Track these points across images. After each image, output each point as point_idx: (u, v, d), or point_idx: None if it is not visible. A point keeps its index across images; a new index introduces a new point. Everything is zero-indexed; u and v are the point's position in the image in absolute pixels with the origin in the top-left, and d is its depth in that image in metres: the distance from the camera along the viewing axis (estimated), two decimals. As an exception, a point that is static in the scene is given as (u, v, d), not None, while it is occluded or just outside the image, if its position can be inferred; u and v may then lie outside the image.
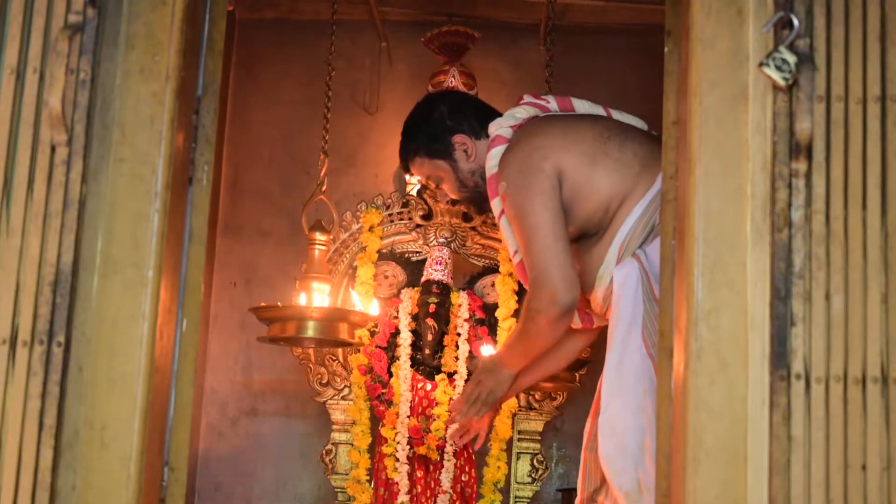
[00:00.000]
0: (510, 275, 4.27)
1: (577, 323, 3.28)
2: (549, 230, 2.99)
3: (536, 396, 4.42)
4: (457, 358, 4.30)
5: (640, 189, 3.01)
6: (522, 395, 4.37)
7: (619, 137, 3.11)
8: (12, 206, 2.31)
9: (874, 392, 2.17)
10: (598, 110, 3.32)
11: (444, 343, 4.36)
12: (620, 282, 2.95)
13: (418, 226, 4.47)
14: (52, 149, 2.31)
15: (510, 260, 3.45)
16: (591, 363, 4.13)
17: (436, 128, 3.35)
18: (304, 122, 5.13)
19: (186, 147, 2.53)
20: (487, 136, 3.26)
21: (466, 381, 4.16)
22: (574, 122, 3.20)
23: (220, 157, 5.10)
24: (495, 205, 3.21)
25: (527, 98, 3.33)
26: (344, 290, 4.40)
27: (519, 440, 4.48)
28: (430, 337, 4.29)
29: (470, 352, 4.29)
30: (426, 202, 4.44)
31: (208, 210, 2.62)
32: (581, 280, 3.14)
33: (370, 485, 4.27)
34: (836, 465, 2.16)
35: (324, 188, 4.27)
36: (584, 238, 3.11)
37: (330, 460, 4.41)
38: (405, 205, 4.49)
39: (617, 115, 3.31)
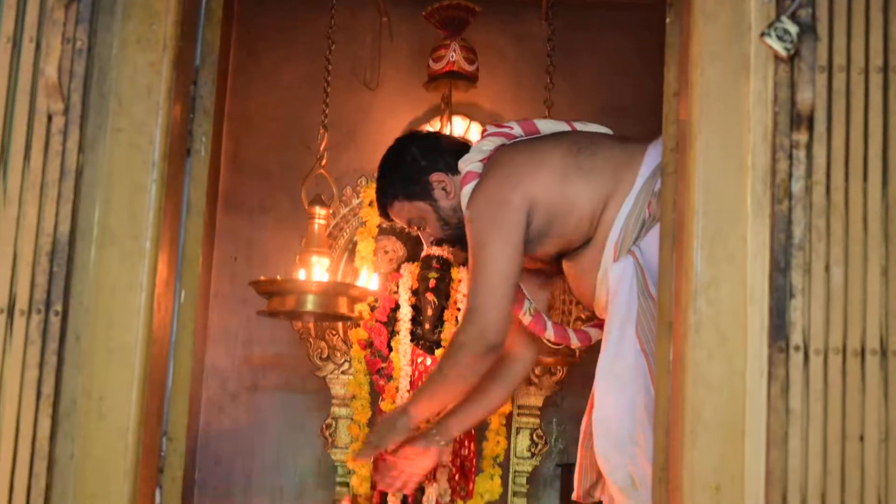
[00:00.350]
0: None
1: (575, 342, 3.27)
2: (500, 267, 2.97)
3: (536, 372, 4.42)
4: (457, 333, 4.30)
5: (623, 188, 2.99)
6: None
7: (589, 148, 3.08)
8: (9, 176, 2.30)
9: (873, 364, 2.16)
10: (563, 126, 3.28)
11: (444, 318, 4.36)
12: (617, 277, 2.93)
13: (419, 201, 4.46)
14: (49, 118, 2.30)
15: None
16: (591, 338, 4.11)
17: (410, 169, 3.25)
18: (304, 97, 5.11)
19: (184, 118, 2.52)
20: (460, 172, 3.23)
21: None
22: (540, 145, 3.17)
23: (220, 132, 5.08)
24: None
25: (490, 129, 3.27)
26: (345, 265, 4.40)
27: (519, 415, 4.48)
28: (429, 312, 4.29)
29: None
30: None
31: (206, 182, 2.61)
32: (579, 291, 3.13)
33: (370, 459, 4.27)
34: (833, 437, 2.16)
35: (323, 162, 4.26)
36: (575, 250, 3.09)
37: (330, 434, 4.42)
38: (406, 180, 4.47)
39: (581, 126, 3.28)
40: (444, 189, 3.22)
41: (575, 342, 3.26)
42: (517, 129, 3.25)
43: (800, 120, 2.21)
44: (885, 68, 2.20)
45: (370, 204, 4.40)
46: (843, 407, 2.16)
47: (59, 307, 2.28)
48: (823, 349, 2.17)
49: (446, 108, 4.67)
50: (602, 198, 3.00)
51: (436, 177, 3.22)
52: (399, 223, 3.35)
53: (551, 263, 3.20)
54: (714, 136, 2.27)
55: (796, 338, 2.18)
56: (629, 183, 2.98)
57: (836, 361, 2.17)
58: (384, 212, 3.33)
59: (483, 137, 3.24)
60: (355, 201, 4.46)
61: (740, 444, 2.22)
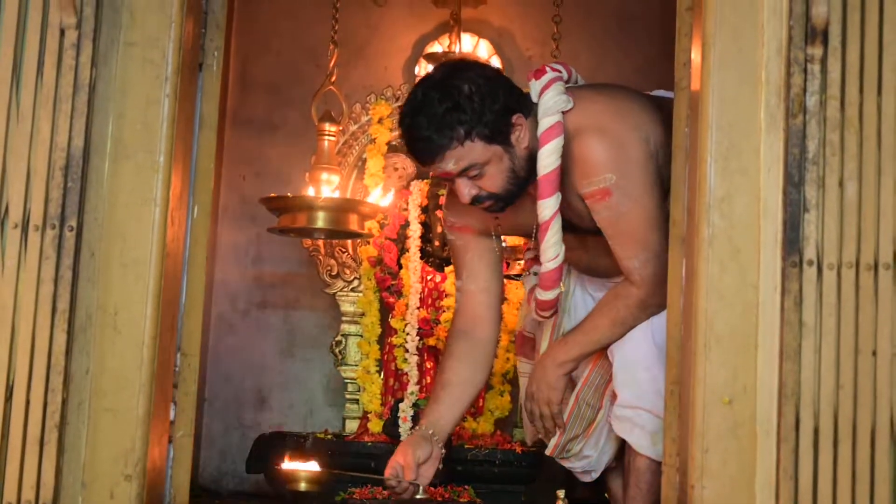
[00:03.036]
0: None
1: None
2: (659, 226, 2.72)
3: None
4: (466, 250, 4.30)
5: None
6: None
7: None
8: (22, 90, 2.30)
9: (886, 278, 2.17)
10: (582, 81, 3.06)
11: (454, 235, 4.35)
12: None
13: (428, 118, 4.44)
14: (62, 32, 2.30)
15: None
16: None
17: (494, 105, 2.72)
18: (313, 13, 5.07)
19: (196, 32, 2.51)
20: (532, 116, 2.79)
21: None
22: (631, 92, 2.93)
23: (228, 49, 5.04)
24: (549, 203, 2.76)
25: (550, 74, 2.84)
26: (354, 182, 4.39)
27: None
28: (439, 229, 4.29)
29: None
30: (436, 94, 4.40)
31: (219, 97, 2.61)
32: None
33: (380, 375, 4.31)
34: (846, 351, 2.18)
35: (333, 78, 4.24)
36: None
37: (339, 351, 4.44)
38: (415, 97, 4.46)
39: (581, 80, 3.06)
40: (518, 135, 2.77)
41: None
42: (565, 74, 2.92)
43: (814, 34, 2.20)
44: (902, -19, 2.19)
45: (380, 121, 4.38)
46: (856, 321, 2.18)
47: (73, 222, 2.28)
48: (837, 263, 2.18)
49: (455, 25, 4.63)
50: None
51: (518, 119, 2.76)
52: (446, 168, 2.73)
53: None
54: (729, 50, 2.26)
55: (810, 252, 2.19)
56: None
57: (849, 276, 2.18)
58: (442, 151, 2.70)
59: (549, 85, 2.82)
60: (364, 118, 4.44)
61: (753, 358, 2.24)
